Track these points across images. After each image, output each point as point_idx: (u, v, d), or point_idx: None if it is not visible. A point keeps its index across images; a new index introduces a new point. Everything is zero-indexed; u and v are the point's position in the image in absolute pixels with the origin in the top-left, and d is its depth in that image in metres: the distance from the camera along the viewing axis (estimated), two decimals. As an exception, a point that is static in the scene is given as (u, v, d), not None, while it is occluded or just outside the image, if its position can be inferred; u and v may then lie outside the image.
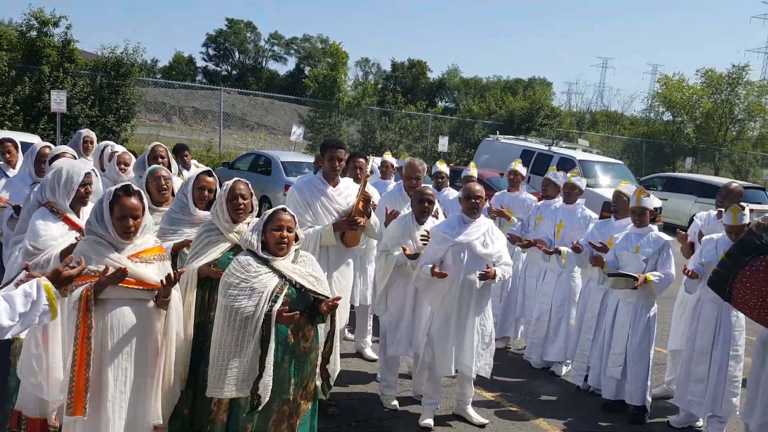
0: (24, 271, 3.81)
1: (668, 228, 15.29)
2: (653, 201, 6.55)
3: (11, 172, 7.26)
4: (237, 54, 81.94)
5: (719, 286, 4.92)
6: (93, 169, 5.06)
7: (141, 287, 3.96)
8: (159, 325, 4.12)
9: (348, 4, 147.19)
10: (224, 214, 4.72)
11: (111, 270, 3.77)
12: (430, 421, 5.99)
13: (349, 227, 5.87)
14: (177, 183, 5.90)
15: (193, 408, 4.64)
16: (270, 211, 4.30)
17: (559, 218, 7.60)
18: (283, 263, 4.22)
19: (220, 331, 4.06)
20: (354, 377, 6.95)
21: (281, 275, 4.16)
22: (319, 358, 4.42)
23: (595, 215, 7.64)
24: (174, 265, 4.68)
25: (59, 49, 21.44)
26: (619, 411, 6.60)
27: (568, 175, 7.76)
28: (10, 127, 19.29)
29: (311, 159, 16.33)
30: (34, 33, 21.48)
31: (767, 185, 27.09)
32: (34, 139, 11.60)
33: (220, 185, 5.01)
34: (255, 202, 4.90)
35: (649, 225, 6.52)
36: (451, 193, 8.44)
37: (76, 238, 4.56)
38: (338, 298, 4.28)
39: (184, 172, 8.75)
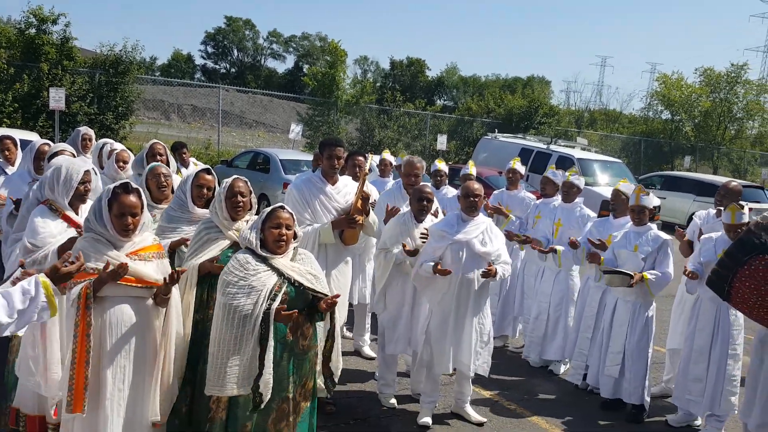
0: (20, 268, 3.81)
1: (666, 227, 15.29)
2: (652, 200, 6.55)
3: (10, 170, 7.24)
4: (236, 52, 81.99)
5: (718, 286, 4.92)
6: (93, 168, 5.07)
7: (140, 285, 3.96)
8: (157, 323, 4.12)
9: (347, 2, 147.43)
10: (223, 211, 4.72)
11: (111, 266, 3.77)
12: (428, 420, 5.99)
13: (347, 225, 5.87)
14: (176, 181, 5.89)
15: (191, 405, 4.64)
16: (268, 209, 4.30)
17: (558, 217, 7.60)
18: (281, 261, 4.22)
19: (218, 329, 4.06)
20: (352, 375, 6.94)
21: (280, 273, 4.16)
22: (319, 356, 4.42)
23: (593, 214, 7.63)
24: (171, 263, 4.68)
25: (58, 46, 21.38)
26: (617, 410, 6.60)
27: (567, 173, 7.76)
28: (9, 124, 19.25)
29: (310, 157, 16.32)
30: (32, 30, 21.42)
31: (766, 184, 27.13)
32: (33, 137, 11.60)
33: (219, 183, 5.01)
34: (254, 200, 4.90)
35: (649, 224, 6.52)
36: (450, 192, 8.44)
37: (78, 232, 4.56)
38: (337, 296, 4.27)
39: (183, 169, 8.74)
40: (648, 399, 6.49)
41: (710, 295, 5.58)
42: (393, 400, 6.33)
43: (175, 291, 4.16)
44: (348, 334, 7.95)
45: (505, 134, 24.52)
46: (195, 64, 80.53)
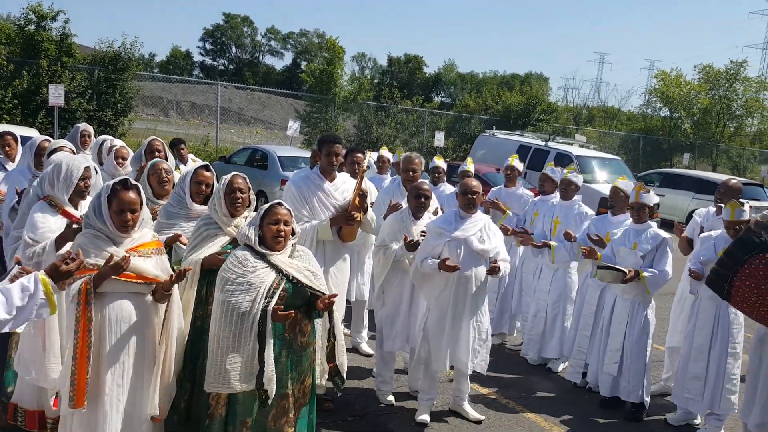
0: (17, 265, 3.80)
1: (665, 224, 15.29)
2: (652, 197, 6.53)
3: (10, 166, 7.23)
4: (234, 49, 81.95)
5: (718, 285, 4.91)
6: (93, 164, 5.07)
7: (139, 281, 3.96)
8: (156, 319, 4.12)
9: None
10: (222, 208, 4.72)
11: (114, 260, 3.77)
12: (426, 417, 5.99)
13: (345, 222, 5.86)
14: (174, 177, 5.89)
15: (190, 401, 4.64)
16: (267, 205, 4.30)
17: (556, 214, 7.60)
18: (280, 258, 4.21)
19: (217, 326, 4.06)
20: (350, 372, 6.85)
21: (278, 270, 4.15)
22: (320, 355, 4.42)
23: (591, 212, 7.62)
24: (168, 260, 4.68)
25: (57, 43, 21.38)
26: (616, 408, 6.59)
27: (565, 171, 7.75)
28: (9, 120, 19.25)
29: (308, 154, 16.32)
30: (32, 27, 21.41)
31: (765, 182, 27.15)
32: (33, 133, 11.57)
33: (217, 180, 5.01)
34: (253, 197, 4.91)
35: (648, 221, 6.51)
36: (448, 189, 8.42)
37: (76, 223, 4.57)
38: (334, 296, 4.26)
39: (181, 166, 8.74)
40: (647, 398, 6.49)
41: (710, 293, 5.55)
42: (391, 397, 6.33)
43: (175, 287, 4.16)
44: (346, 330, 7.94)
45: (503, 131, 24.46)
46: (193, 61, 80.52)
